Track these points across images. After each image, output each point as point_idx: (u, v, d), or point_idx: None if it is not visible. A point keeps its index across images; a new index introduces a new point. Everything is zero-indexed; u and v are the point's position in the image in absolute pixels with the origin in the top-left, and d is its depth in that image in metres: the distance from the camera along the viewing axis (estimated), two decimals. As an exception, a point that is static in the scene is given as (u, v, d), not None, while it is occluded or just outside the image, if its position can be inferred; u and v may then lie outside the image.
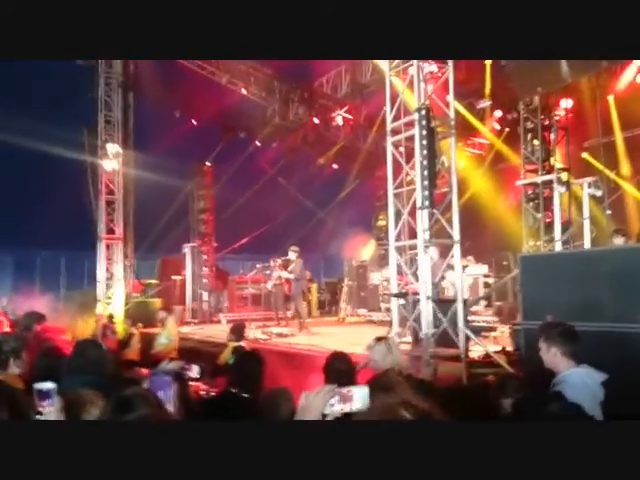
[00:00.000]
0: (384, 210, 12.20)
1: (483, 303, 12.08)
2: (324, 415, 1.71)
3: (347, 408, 1.70)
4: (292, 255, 12.59)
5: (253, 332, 11.40)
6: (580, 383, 3.46)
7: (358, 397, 1.72)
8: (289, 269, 12.66)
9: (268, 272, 15.60)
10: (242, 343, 7.71)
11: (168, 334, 9.80)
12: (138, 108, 14.69)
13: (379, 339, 4.72)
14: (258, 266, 16.58)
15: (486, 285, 12.06)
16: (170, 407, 2.42)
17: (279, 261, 13.58)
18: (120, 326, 11.42)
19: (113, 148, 13.79)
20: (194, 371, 3.11)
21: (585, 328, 4.56)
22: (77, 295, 14.47)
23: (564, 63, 5.65)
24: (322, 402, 1.72)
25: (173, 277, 15.99)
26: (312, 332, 11.96)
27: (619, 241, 7.05)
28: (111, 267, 14.12)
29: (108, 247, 14.13)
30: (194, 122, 15.49)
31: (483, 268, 12.74)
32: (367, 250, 17.07)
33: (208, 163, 16.62)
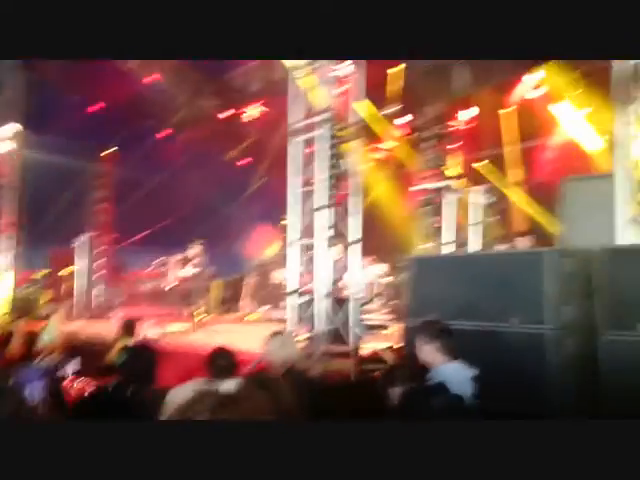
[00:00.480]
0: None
1: (379, 302, 12.47)
2: None
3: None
4: (194, 250, 12.38)
5: (147, 330, 11.10)
6: (452, 377, 3.65)
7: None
8: (191, 264, 12.44)
9: (166, 268, 15.27)
10: (132, 340, 7.45)
11: (52, 329, 9.32)
12: (37, 90, 13.87)
13: (274, 333, 4.77)
14: (157, 261, 16.16)
15: (384, 285, 12.44)
16: (39, 401, 2.33)
17: (180, 256, 13.32)
18: (2, 320, 10.74)
19: (11, 129, 12.93)
20: (72, 366, 3.00)
21: (462, 326, 4.88)
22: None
23: (460, 76, 5.95)
24: (185, 398, 1.72)
25: (64, 269, 15.21)
26: (210, 330, 11.83)
27: (523, 242, 7.30)
28: (-4, 256, 13.25)
29: (-6, 235, 13.24)
30: (98, 107, 14.83)
31: (382, 267, 13.15)
32: (272, 248, 17.08)
33: (110, 149, 15.96)
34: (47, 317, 9.79)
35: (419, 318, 5.34)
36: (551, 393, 4.42)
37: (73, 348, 9.24)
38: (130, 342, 7.28)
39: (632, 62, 5.09)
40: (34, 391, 2.36)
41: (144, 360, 4.27)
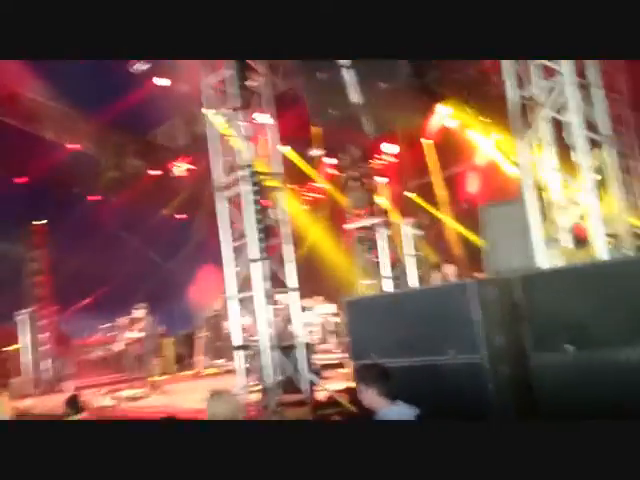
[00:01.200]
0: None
1: (334, 341, 12.50)
2: None
3: None
4: (140, 312, 12.15)
5: (100, 398, 10.77)
6: (396, 419, 3.72)
7: None
8: (138, 327, 12.18)
9: (115, 332, 14.91)
10: (85, 415, 7.18)
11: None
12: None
13: (214, 393, 4.70)
14: (103, 326, 15.77)
15: (335, 323, 12.50)
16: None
17: (127, 319, 13.04)
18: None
19: None
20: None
21: (402, 364, 4.97)
22: None
23: (366, 121, 6.19)
24: None
25: (6, 348, 14.63)
26: (166, 391, 11.55)
27: (437, 275, 7.66)
28: None
29: None
30: (20, 180, 14.55)
31: (332, 307, 13.22)
32: (219, 299, 16.91)
33: (40, 222, 15.59)
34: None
35: (360, 359, 5.45)
36: (491, 418, 4.53)
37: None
38: (78, 417, 7.04)
39: (523, 92, 5.43)
40: None
41: None
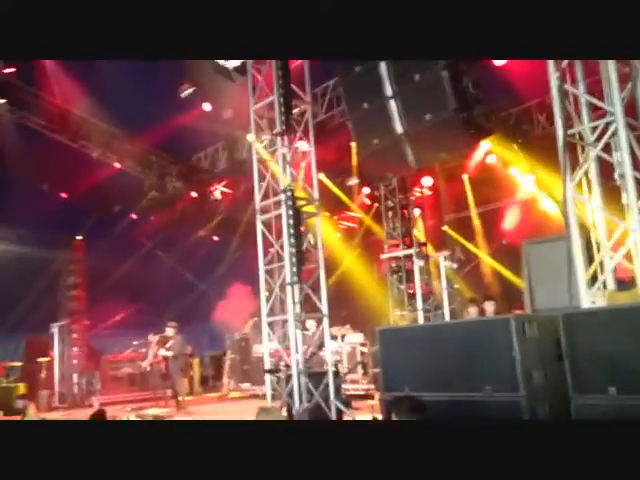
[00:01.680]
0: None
1: (361, 371, 12.35)
2: None
3: None
4: (170, 331, 12.24)
5: (127, 416, 10.81)
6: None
7: None
8: (167, 346, 12.26)
9: (145, 349, 14.99)
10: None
11: (28, 424, 9.03)
12: (3, 180, 13.97)
13: (261, 409, 4.71)
14: (135, 343, 15.88)
15: (362, 353, 12.37)
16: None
17: (156, 338, 13.13)
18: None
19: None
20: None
21: (437, 398, 4.88)
22: None
23: (410, 153, 6.22)
24: None
25: (39, 359, 14.86)
26: (190, 411, 11.55)
27: (473, 310, 7.61)
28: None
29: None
30: (64, 195, 14.99)
31: (359, 336, 13.10)
32: (250, 322, 16.96)
33: (79, 237, 15.97)
34: (21, 411, 9.43)
35: (391, 391, 5.37)
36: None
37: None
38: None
39: (572, 131, 5.41)
40: None
41: None
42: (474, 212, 14.35)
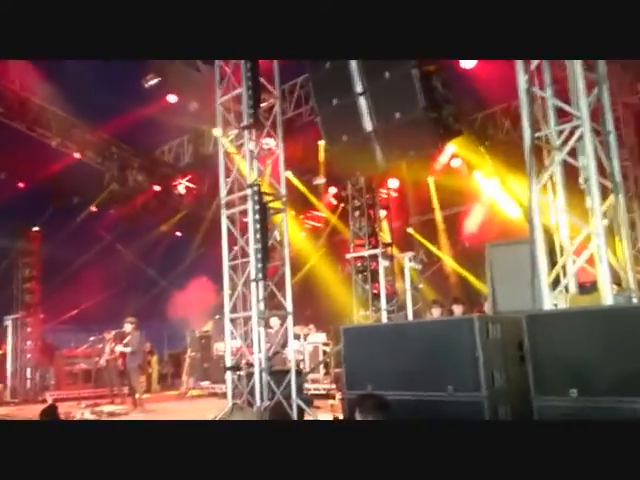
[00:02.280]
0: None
1: (322, 371, 12.33)
2: None
3: None
4: (128, 327, 11.97)
5: (81, 412, 10.55)
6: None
7: None
8: (125, 341, 11.99)
9: (101, 345, 14.67)
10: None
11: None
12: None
13: (234, 406, 4.63)
14: (92, 339, 15.52)
15: (324, 353, 12.35)
16: None
17: (113, 333, 12.84)
18: None
19: None
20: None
21: (399, 397, 4.86)
22: None
23: (378, 150, 6.19)
24: None
25: (-6, 351, 14.42)
26: (148, 409, 11.33)
27: (436, 311, 7.66)
28: None
29: None
30: (21, 185, 14.54)
31: (322, 336, 13.09)
32: (211, 320, 16.76)
33: (36, 228, 15.52)
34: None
35: (354, 389, 5.33)
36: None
37: None
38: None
39: (539, 134, 5.46)
40: None
41: None
42: (439, 215, 14.50)
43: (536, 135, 5.48)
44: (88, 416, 10.34)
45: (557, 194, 5.50)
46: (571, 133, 5.30)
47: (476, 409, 4.56)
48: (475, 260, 9.31)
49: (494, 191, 12.49)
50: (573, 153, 5.41)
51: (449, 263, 14.12)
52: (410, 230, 14.63)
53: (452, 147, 12.22)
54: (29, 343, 14.95)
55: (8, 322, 14.69)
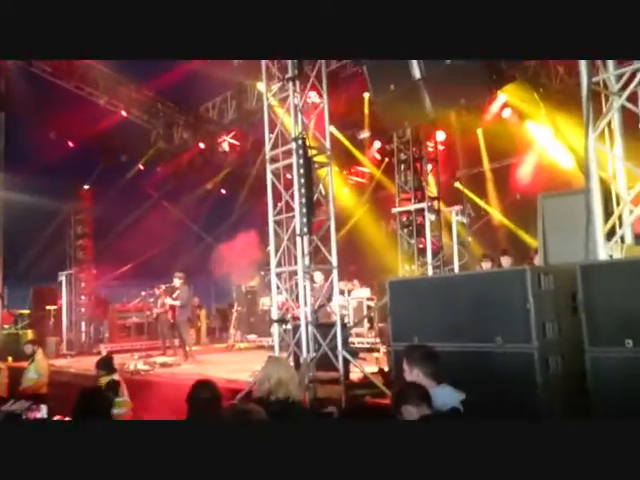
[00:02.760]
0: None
1: (367, 325, 12.43)
2: None
3: None
4: (177, 282, 12.30)
5: (135, 363, 10.98)
6: (441, 402, 3.62)
7: None
8: (174, 296, 12.33)
9: (152, 299, 15.14)
10: (115, 376, 7.27)
11: (37, 368, 9.13)
12: (9, 128, 13.83)
13: (271, 357, 4.73)
14: (143, 293, 16.05)
15: (369, 308, 12.42)
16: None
17: (163, 287, 13.23)
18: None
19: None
20: (42, 412, 2.93)
21: (447, 348, 4.85)
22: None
23: (427, 98, 6.01)
24: None
25: (48, 307, 15.04)
26: (198, 360, 11.71)
27: (486, 265, 7.55)
28: (-24, 297, 13.06)
29: (-26, 276, 13.06)
30: (70, 144, 14.84)
31: (366, 291, 13.14)
32: (257, 275, 17.02)
33: (86, 186, 15.92)
34: (30, 356, 9.56)
35: (402, 342, 5.35)
36: (540, 413, 4.38)
37: (61, 385, 9.13)
38: (112, 378, 7.14)
39: (596, 79, 5.20)
40: None
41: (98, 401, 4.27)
42: (487, 167, 14.15)
43: (593, 80, 5.22)
44: (141, 367, 10.74)
45: (614, 142, 5.26)
46: (631, 77, 5.03)
47: (526, 360, 4.52)
48: (525, 213, 9.06)
49: (547, 141, 12.06)
50: (632, 98, 5.16)
51: (497, 216, 13.83)
52: (457, 184, 14.34)
53: (503, 96, 11.81)
54: (83, 298, 15.55)
55: (62, 278, 15.27)
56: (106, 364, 7.47)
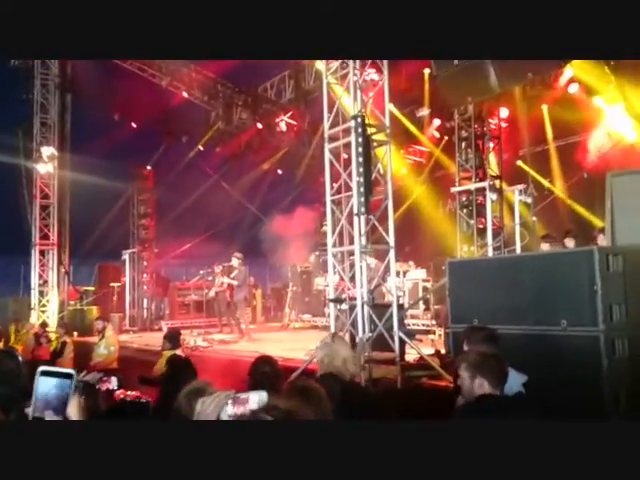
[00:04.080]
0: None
1: (422, 307, 12.31)
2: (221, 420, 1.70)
3: (241, 411, 1.69)
4: (235, 261, 12.51)
5: (194, 339, 11.28)
6: (507, 386, 3.53)
7: (254, 401, 1.72)
8: (232, 275, 12.56)
9: (211, 278, 15.48)
10: (178, 351, 7.48)
11: (107, 344, 9.49)
12: (75, 110, 14.33)
13: (331, 335, 4.76)
14: (201, 272, 16.42)
15: (425, 289, 12.28)
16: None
17: (221, 267, 13.50)
18: (54, 334, 11.02)
19: (48, 151, 13.40)
20: (112, 383, 3.01)
21: (508, 331, 4.73)
22: (10, 302, 13.90)
23: (492, 73, 5.81)
24: (216, 407, 1.72)
25: (111, 284, 15.61)
26: (254, 338, 11.91)
27: (545, 247, 7.32)
28: (45, 273, 13.68)
29: (42, 253, 13.67)
30: (134, 125, 15.23)
31: (422, 272, 12.99)
32: (313, 255, 17.11)
33: (149, 167, 16.33)
34: (98, 332, 9.94)
35: (461, 324, 5.25)
36: (606, 397, 4.24)
37: (125, 360, 9.48)
38: (175, 353, 7.35)
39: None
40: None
41: (186, 372, 4.36)
42: (552, 145, 13.63)
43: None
44: (201, 343, 11.03)
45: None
46: None
47: (592, 344, 4.36)
48: (592, 192, 8.67)
49: (617, 117, 11.49)
50: None
51: (561, 197, 13.33)
52: (520, 162, 13.87)
53: (570, 70, 11.30)
54: (145, 276, 16.03)
55: (126, 256, 15.76)
56: (173, 338, 7.67)
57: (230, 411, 1.71)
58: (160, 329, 14.46)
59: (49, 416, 1.73)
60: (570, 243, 7.00)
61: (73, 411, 1.72)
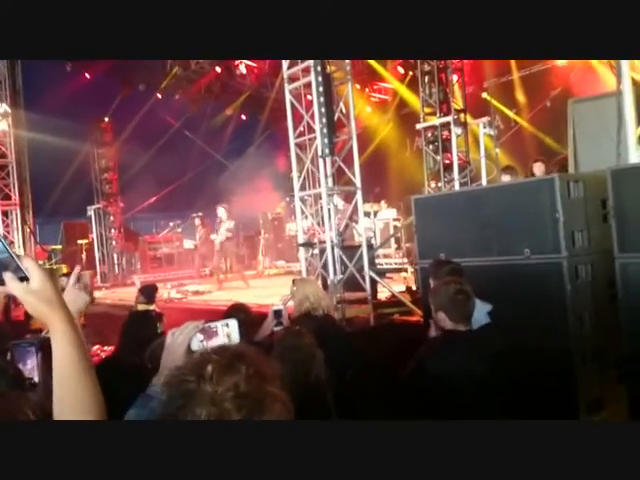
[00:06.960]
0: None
1: (394, 246, 12.42)
2: (192, 352, 1.67)
3: (212, 344, 1.65)
4: (222, 212, 12.33)
5: (168, 292, 11.25)
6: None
7: (222, 333, 1.70)
8: (226, 227, 12.33)
9: (180, 230, 15.35)
10: (153, 306, 7.43)
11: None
12: (26, 63, 13.66)
13: (297, 279, 4.84)
14: (171, 224, 16.25)
15: (395, 228, 12.37)
16: (34, 377, 2.32)
17: (200, 217, 13.38)
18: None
19: (1, 108, 12.84)
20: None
21: (474, 263, 4.80)
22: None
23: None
24: (186, 339, 1.69)
25: (79, 241, 15.35)
26: (229, 287, 11.92)
27: (506, 178, 7.36)
28: (10, 234, 13.36)
29: (5, 214, 13.33)
30: (87, 76, 14.62)
31: (393, 212, 13.05)
32: (282, 201, 17.02)
33: (106, 119, 15.83)
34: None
35: (429, 259, 5.30)
36: (570, 320, 4.35)
37: (98, 316, 9.42)
38: (150, 307, 7.31)
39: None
40: (29, 368, 2.35)
41: (143, 323, 4.39)
42: (516, 75, 13.52)
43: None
44: (174, 295, 11.02)
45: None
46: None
47: (555, 270, 4.43)
48: (556, 120, 8.64)
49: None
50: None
51: (527, 126, 13.34)
52: (485, 94, 13.79)
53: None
54: (113, 231, 15.81)
55: (91, 212, 15.48)
56: (148, 293, 7.58)
57: (198, 342, 1.69)
58: (133, 284, 14.37)
59: None
60: (538, 170, 7.01)
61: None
